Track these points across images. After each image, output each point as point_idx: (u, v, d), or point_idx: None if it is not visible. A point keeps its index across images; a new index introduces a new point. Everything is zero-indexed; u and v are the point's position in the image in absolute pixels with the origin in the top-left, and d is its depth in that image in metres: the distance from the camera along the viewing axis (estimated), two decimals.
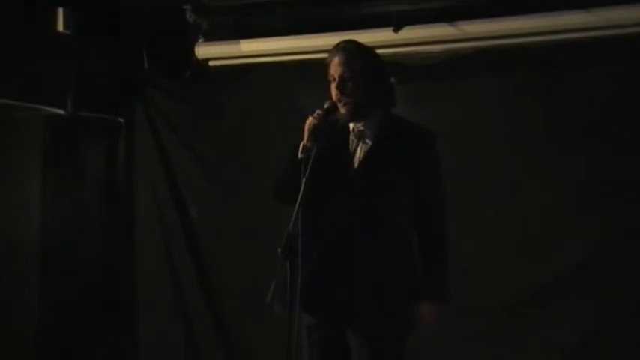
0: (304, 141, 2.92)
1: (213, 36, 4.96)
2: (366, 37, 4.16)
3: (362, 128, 3.09)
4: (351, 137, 3.11)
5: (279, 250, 2.71)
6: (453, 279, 3.13)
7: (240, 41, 4.90)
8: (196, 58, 5.02)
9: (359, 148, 3.09)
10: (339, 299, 3.03)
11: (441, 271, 3.11)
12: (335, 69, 3.05)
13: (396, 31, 4.39)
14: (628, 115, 4.04)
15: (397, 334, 3.09)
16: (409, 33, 4.40)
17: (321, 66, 3.13)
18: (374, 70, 3.09)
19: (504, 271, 4.21)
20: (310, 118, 2.96)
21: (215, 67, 5.04)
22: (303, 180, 2.82)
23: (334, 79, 3.05)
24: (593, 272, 4.09)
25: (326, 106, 3.02)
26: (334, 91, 3.04)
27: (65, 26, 4.78)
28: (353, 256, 3.02)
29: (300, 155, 2.91)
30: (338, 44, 3.12)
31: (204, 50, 5.00)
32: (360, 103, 3.04)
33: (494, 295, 4.23)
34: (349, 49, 3.07)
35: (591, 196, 4.11)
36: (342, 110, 3.04)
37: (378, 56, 3.18)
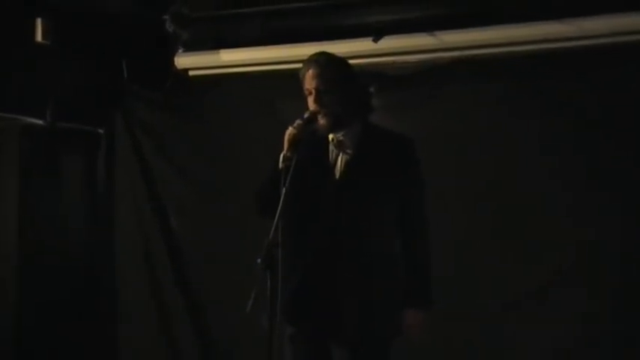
0: (284, 151, 2.92)
1: (193, 46, 4.96)
2: (345, 47, 4.21)
3: (341, 138, 3.09)
4: (331, 147, 3.11)
5: (258, 259, 2.70)
6: (444, 283, 3.16)
7: (220, 51, 4.90)
8: (176, 68, 5.01)
9: (339, 158, 3.10)
10: (323, 311, 3.03)
11: (426, 278, 3.13)
12: (310, 82, 3.05)
13: (375, 41, 4.41)
14: (605, 122, 4.08)
15: (381, 343, 3.09)
16: (388, 43, 4.42)
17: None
18: (348, 79, 3.10)
19: (499, 273, 4.23)
20: (290, 128, 2.96)
21: (195, 77, 5.04)
22: (283, 190, 2.82)
23: (310, 93, 3.05)
24: (585, 273, 4.11)
25: (306, 116, 3.02)
26: (312, 105, 3.04)
27: (44, 36, 4.76)
28: (337, 267, 3.02)
29: (280, 165, 2.91)
30: (310, 57, 3.12)
31: (183, 60, 5.00)
32: (338, 113, 3.05)
33: (488, 298, 4.25)
34: (321, 61, 3.08)
35: (575, 200, 4.14)
36: (322, 121, 3.04)
37: (349, 65, 3.18)
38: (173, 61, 4.99)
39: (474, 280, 4.25)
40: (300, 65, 3.15)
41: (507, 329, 4.22)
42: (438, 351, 4.14)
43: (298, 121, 2.99)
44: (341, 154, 3.10)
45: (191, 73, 5.03)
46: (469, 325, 4.24)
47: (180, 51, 4.97)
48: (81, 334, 5.02)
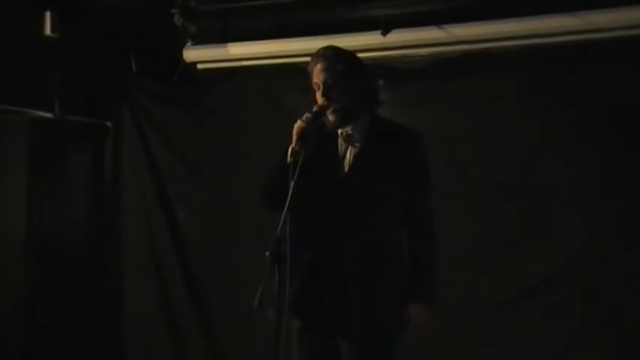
0: (293, 144, 2.91)
1: (201, 39, 4.96)
2: (353, 40, 4.20)
3: (350, 132, 3.09)
4: (340, 141, 3.11)
5: (267, 253, 2.70)
6: (444, 282, 3.15)
7: (228, 44, 4.90)
8: (184, 61, 5.01)
9: (348, 152, 3.09)
10: (330, 304, 3.03)
11: (430, 272, 3.12)
12: (318, 76, 3.04)
13: (384, 34, 4.39)
14: (614, 117, 4.06)
15: (388, 337, 3.09)
16: (397, 36, 4.41)
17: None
18: (356, 72, 3.08)
19: (499, 272, 4.23)
20: (299, 122, 2.95)
21: (203, 70, 5.04)
22: (292, 183, 2.81)
23: (318, 87, 3.05)
24: (583, 272, 4.10)
25: (315, 109, 3.01)
26: (320, 99, 3.03)
27: (52, 30, 4.75)
28: (345, 260, 3.02)
29: (289, 159, 2.90)
30: (317, 51, 3.11)
31: (192, 54, 4.99)
32: (347, 108, 3.04)
33: (488, 297, 4.26)
34: (329, 55, 3.07)
35: (578, 197, 4.13)
36: (331, 118, 3.04)
37: (358, 58, 3.17)
38: (181, 55, 4.98)
39: (474, 278, 4.25)
40: (308, 59, 3.14)
41: (507, 328, 4.22)
42: (438, 349, 4.15)
43: (307, 115, 2.98)
44: (350, 148, 3.09)
45: (199, 66, 5.03)
46: (469, 324, 4.24)
47: (188, 44, 4.97)
48: (87, 329, 5.04)
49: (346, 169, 3.07)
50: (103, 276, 5.22)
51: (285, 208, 2.76)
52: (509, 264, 4.22)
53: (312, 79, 3.07)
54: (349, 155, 3.09)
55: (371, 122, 3.12)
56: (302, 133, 2.92)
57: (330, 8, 4.53)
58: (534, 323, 4.16)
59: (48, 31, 4.76)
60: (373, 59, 4.31)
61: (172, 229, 5.13)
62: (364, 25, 4.44)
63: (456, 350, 4.26)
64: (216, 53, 4.94)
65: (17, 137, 4.87)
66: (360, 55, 3.24)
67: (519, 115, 4.26)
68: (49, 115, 4.90)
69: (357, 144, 3.08)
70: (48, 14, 4.76)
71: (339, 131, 3.10)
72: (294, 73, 4.51)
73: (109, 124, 5.28)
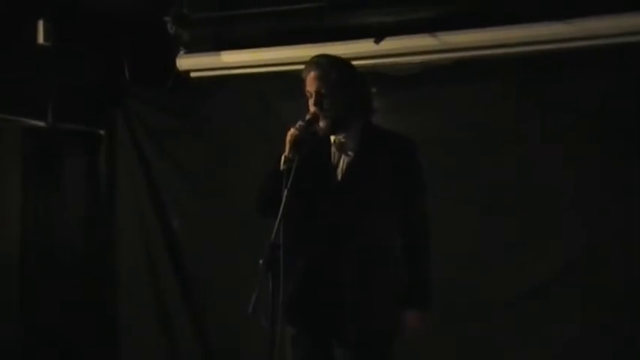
0: (285, 152, 2.91)
1: (195, 47, 4.96)
2: (346, 48, 4.20)
3: (343, 140, 3.09)
4: (333, 149, 3.11)
5: (260, 261, 2.70)
6: (443, 283, 3.17)
7: (222, 53, 4.90)
8: (178, 69, 5.01)
9: (341, 160, 3.09)
10: (324, 311, 3.03)
11: (425, 278, 3.12)
12: (310, 85, 3.05)
13: (376, 42, 4.40)
14: (606, 122, 4.08)
15: (383, 342, 3.09)
16: (390, 44, 4.42)
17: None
18: (350, 81, 3.08)
19: (499, 273, 4.24)
20: (292, 130, 2.95)
21: (196, 78, 5.04)
22: (285, 191, 2.82)
23: (311, 95, 3.05)
24: (583, 274, 4.12)
25: (307, 117, 3.01)
26: (312, 107, 3.04)
27: (45, 38, 4.75)
28: (338, 268, 3.01)
29: (281, 167, 2.90)
30: (311, 59, 3.12)
31: (185, 62, 4.99)
32: (339, 116, 3.04)
33: (487, 298, 4.26)
34: (322, 63, 3.07)
35: (578, 198, 4.14)
36: (322, 124, 3.04)
37: (352, 67, 3.18)
38: (175, 63, 4.98)
39: (474, 279, 4.25)
40: (301, 66, 3.15)
41: (507, 328, 4.22)
42: (438, 349, 4.15)
43: (300, 123, 2.98)
44: (343, 156, 3.09)
45: (193, 74, 5.03)
46: (469, 324, 4.25)
47: (181, 52, 4.97)
48: (83, 336, 5.04)
49: (339, 177, 3.08)
50: (99, 281, 5.21)
51: (279, 215, 2.76)
52: (509, 264, 4.23)
53: (306, 87, 3.08)
54: (342, 164, 3.09)
55: (364, 130, 3.12)
56: (295, 141, 2.91)
57: (323, 16, 4.54)
58: (534, 323, 4.17)
59: (41, 39, 4.76)
60: (366, 67, 4.31)
61: (167, 235, 5.13)
62: (357, 32, 4.44)
63: (456, 350, 4.26)
64: (209, 61, 4.94)
65: (11, 146, 4.87)
66: (352, 63, 3.25)
67: (512, 122, 4.27)
68: (42, 123, 4.89)
69: (350, 152, 3.08)
70: (41, 23, 4.75)
71: (332, 139, 3.11)
72: (287, 80, 4.52)
73: (101, 132, 5.28)
